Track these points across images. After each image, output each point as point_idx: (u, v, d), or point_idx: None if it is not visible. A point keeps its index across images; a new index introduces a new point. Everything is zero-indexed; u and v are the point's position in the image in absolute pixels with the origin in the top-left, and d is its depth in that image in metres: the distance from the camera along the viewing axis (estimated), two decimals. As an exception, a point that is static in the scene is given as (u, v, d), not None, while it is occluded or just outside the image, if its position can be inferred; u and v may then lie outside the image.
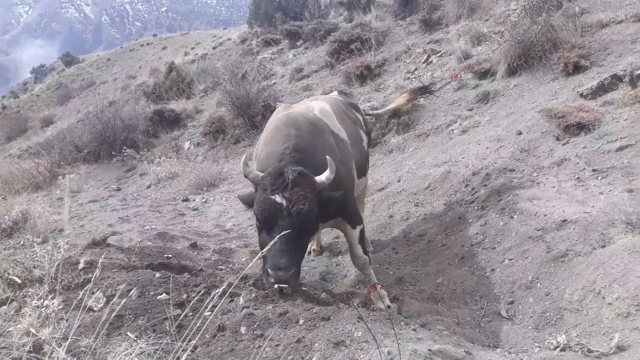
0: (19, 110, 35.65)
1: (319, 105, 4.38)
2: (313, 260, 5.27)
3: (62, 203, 8.94)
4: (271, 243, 2.65)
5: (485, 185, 5.42)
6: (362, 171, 4.69)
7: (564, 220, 4.09)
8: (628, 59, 6.59)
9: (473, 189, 5.54)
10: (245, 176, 3.45)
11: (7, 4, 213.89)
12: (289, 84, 13.73)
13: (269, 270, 3.04)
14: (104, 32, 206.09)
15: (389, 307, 3.47)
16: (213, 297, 2.28)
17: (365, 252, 3.99)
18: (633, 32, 7.29)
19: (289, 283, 3.12)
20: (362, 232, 4.00)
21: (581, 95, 6.47)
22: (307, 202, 3.21)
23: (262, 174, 3.40)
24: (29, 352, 2.44)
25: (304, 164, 3.44)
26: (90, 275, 3.66)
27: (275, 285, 3.13)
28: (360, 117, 5.25)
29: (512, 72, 8.20)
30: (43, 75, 50.52)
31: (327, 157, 3.37)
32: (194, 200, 8.74)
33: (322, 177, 3.36)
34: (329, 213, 3.55)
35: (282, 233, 2.82)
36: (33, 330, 2.45)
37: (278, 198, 3.18)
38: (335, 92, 7.16)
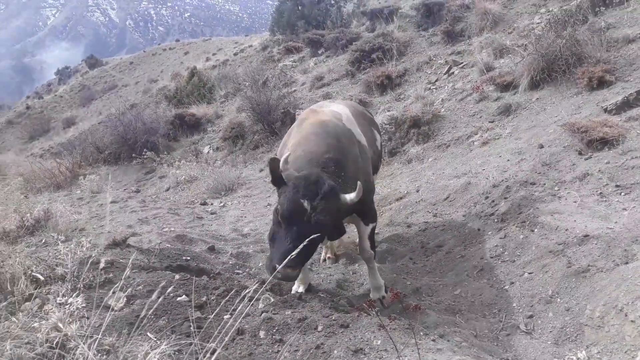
0: (42, 110, 36.32)
1: (345, 114, 4.52)
2: (329, 267, 5.27)
3: (83, 203, 9.10)
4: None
5: (505, 198, 5.37)
6: (375, 169, 5.02)
7: (586, 235, 4.03)
8: (654, 75, 6.51)
9: (493, 201, 5.50)
10: (281, 172, 3.53)
11: (35, 6, 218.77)
12: (309, 91, 13.80)
13: (276, 265, 3.03)
14: (128, 36, 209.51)
15: (383, 297, 4.13)
16: (241, 299, 2.30)
17: (373, 248, 4.35)
18: (660, 48, 7.20)
19: (291, 280, 3.42)
20: (373, 229, 4.35)
21: (605, 110, 6.40)
22: (329, 215, 3.43)
23: (297, 174, 3.52)
24: (52, 348, 2.48)
25: (338, 176, 3.73)
26: (110, 275, 3.72)
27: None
28: (372, 116, 5.59)
29: (534, 85, 8.14)
30: (67, 77, 51.52)
31: (358, 182, 3.56)
32: (212, 204, 8.81)
33: (347, 198, 3.56)
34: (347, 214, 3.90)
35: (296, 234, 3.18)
36: (61, 326, 2.49)
37: (305, 203, 3.35)
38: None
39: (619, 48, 7.70)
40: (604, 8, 9.03)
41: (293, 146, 4.06)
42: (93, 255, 4.02)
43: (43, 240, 4.81)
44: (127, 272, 2.59)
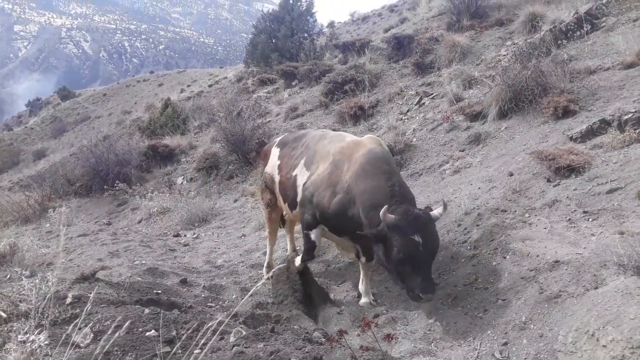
0: (12, 142, 35.65)
1: (377, 138, 5.23)
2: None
3: (51, 236, 8.86)
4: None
5: (477, 225, 5.43)
6: None
7: (557, 261, 4.09)
8: (616, 104, 6.76)
9: (465, 228, 5.55)
10: (384, 220, 4.06)
11: (7, 38, 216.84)
12: (284, 122, 13.89)
13: (420, 294, 3.96)
14: (102, 67, 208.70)
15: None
16: (204, 334, 2.25)
17: None
18: (620, 79, 7.51)
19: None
20: None
21: (571, 138, 6.59)
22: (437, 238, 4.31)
23: (396, 217, 4.07)
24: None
25: (408, 198, 4.48)
26: (77, 310, 3.60)
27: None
28: None
29: (503, 114, 8.37)
30: (38, 108, 50.84)
31: (443, 199, 4.42)
32: (185, 235, 8.68)
33: (436, 213, 4.32)
34: None
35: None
36: (18, 365, 2.38)
37: (417, 238, 4.01)
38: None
39: (582, 79, 8.00)
40: (565, 41, 9.42)
41: (354, 181, 4.57)
42: (60, 290, 3.90)
43: (7, 276, 4.65)
44: (88, 306, 2.51)
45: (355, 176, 4.56)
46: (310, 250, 5.08)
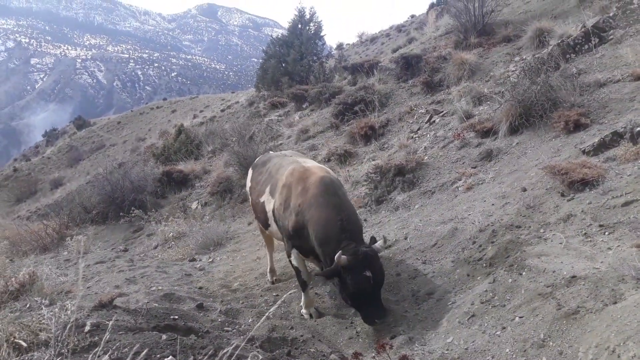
0: (30, 172, 36.28)
1: (323, 167, 5.76)
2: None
3: (70, 264, 8.96)
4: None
5: (492, 242, 5.40)
6: None
7: (574, 277, 4.05)
8: (627, 117, 6.74)
9: (480, 245, 5.52)
10: (338, 263, 4.55)
11: (24, 71, 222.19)
12: (295, 144, 14.00)
13: (375, 320, 4.70)
14: (116, 96, 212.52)
15: None
16: (228, 358, 2.27)
17: None
18: (630, 91, 7.48)
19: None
20: None
21: (583, 152, 6.57)
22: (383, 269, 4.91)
23: (348, 258, 4.55)
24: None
25: (356, 231, 4.97)
26: (96, 338, 3.64)
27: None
28: None
29: (514, 130, 8.36)
30: (55, 138, 51.80)
31: (383, 235, 5.02)
32: (200, 260, 8.73)
33: (379, 246, 4.88)
34: None
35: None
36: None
37: (367, 273, 4.58)
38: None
39: (592, 92, 7.99)
40: (574, 55, 9.44)
41: (309, 210, 4.97)
42: (79, 318, 3.95)
43: (27, 305, 4.71)
44: (106, 335, 2.54)
45: (308, 204, 5.01)
46: (299, 276, 5.45)
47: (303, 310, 5.43)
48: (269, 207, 5.73)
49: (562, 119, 7.48)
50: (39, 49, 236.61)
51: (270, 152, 7.37)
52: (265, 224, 5.99)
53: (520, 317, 4.05)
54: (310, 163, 5.85)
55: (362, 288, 4.59)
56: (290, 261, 5.53)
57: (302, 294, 5.47)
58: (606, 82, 8.05)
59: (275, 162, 6.18)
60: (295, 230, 5.15)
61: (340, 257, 4.51)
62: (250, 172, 6.70)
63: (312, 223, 4.93)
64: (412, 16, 44.50)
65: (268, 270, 6.81)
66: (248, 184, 6.62)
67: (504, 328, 4.07)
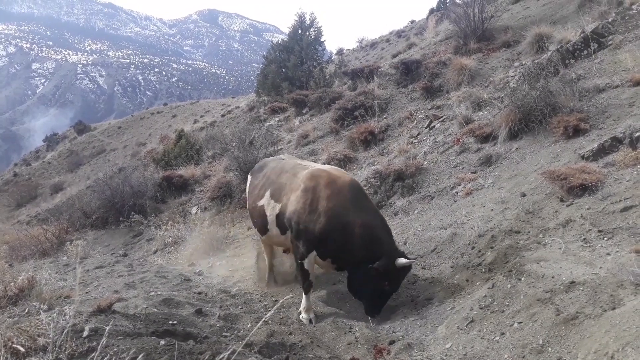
0: (30, 177, 36.31)
1: (339, 169, 6.10)
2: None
3: (69, 269, 8.95)
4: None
5: (491, 248, 5.40)
6: None
7: (572, 282, 4.05)
8: (627, 122, 6.74)
9: (480, 251, 5.52)
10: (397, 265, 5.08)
11: (25, 76, 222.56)
12: (295, 149, 14.00)
13: (376, 314, 5.23)
14: (116, 101, 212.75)
15: None
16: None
17: None
18: (629, 97, 7.50)
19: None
20: None
21: (582, 157, 6.57)
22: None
23: (398, 264, 5.13)
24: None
25: (392, 236, 5.55)
26: (94, 343, 3.63)
27: None
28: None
29: (513, 135, 8.37)
30: (55, 143, 51.84)
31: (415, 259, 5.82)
32: (199, 265, 8.72)
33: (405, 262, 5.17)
34: None
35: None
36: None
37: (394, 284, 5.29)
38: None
39: (591, 97, 8.00)
40: (573, 60, 9.46)
41: (339, 212, 5.20)
42: (77, 323, 3.94)
43: (26, 310, 4.71)
44: (103, 340, 2.54)
45: (344, 208, 5.20)
46: (307, 279, 5.48)
47: (303, 315, 5.42)
48: (270, 212, 5.75)
49: (562, 124, 7.49)
50: (40, 54, 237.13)
51: (266, 158, 7.46)
52: (262, 229, 6.02)
53: (519, 323, 4.04)
54: (319, 165, 6.07)
55: (389, 291, 5.24)
56: (300, 264, 5.47)
57: (304, 297, 5.46)
58: (605, 87, 8.07)
59: (272, 166, 6.24)
60: (327, 233, 5.19)
61: (398, 261, 5.02)
62: (249, 178, 6.75)
63: (356, 226, 5.14)
64: (412, 22, 44.67)
65: (267, 268, 6.85)
66: (246, 188, 6.72)
67: (502, 334, 4.06)
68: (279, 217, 5.64)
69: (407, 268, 5.21)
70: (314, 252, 5.37)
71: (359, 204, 5.30)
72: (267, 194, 5.85)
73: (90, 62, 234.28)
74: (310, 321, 5.32)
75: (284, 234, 5.71)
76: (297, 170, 5.77)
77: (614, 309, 3.59)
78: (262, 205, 5.89)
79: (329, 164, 11.07)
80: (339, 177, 5.48)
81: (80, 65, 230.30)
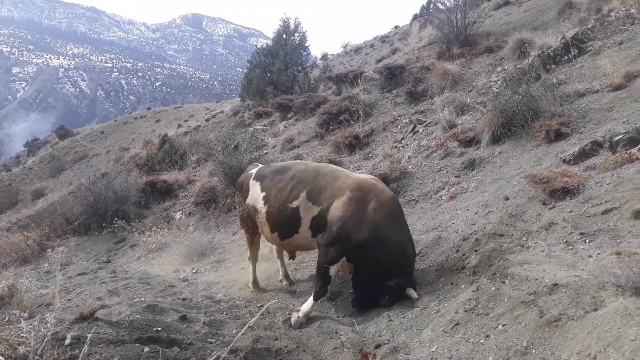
0: (11, 183, 35.71)
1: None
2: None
3: (50, 277, 8.79)
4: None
5: (475, 251, 5.44)
6: None
7: (555, 284, 4.09)
8: (607, 126, 6.86)
9: (464, 254, 5.56)
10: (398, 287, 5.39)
11: (5, 80, 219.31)
12: (280, 153, 13.99)
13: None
14: (99, 105, 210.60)
15: None
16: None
17: None
18: (609, 101, 7.64)
19: None
20: None
21: (564, 160, 6.67)
22: None
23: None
24: None
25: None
26: (77, 351, 3.58)
27: None
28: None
29: (496, 139, 8.46)
30: (36, 148, 51.15)
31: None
32: (184, 271, 8.64)
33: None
34: None
35: None
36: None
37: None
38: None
39: (572, 102, 8.14)
40: (554, 66, 9.62)
41: (380, 225, 5.31)
42: (59, 331, 3.88)
43: (6, 318, 4.61)
44: (85, 348, 2.50)
45: (385, 222, 5.32)
46: (326, 285, 5.46)
47: (298, 317, 5.36)
48: (305, 213, 5.61)
49: (544, 129, 7.60)
50: (21, 58, 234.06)
51: (271, 163, 7.14)
52: (288, 232, 5.81)
53: (503, 325, 4.07)
54: (359, 175, 6.01)
55: (382, 303, 5.45)
56: (326, 268, 5.41)
57: (311, 302, 5.44)
58: (586, 92, 8.21)
59: (303, 169, 5.96)
60: (367, 244, 5.26)
61: (408, 292, 5.33)
62: (254, 184, 6.29)
63: (394, 242, 5.32)
64: (396, 27, 45.06)
65: (251, 281, 6.75)
66: (256, 195, 6.15)
67: (487, 336, 4.09)
68: (315, 219, 5.55)
69: (405, 296, 5.36)
70: (344, 258, 5.41)
71: (398, 219, 5.48)
72: (303, 195, 5.65)
73: (72, 67, 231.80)
74: (300, 325, 5.29)
75: (315, 237, 5.62)
76: (338, 174, 5.74)
77: (596, 310, 3.64)
78: (295, 206, 5.66)
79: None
80: (383, 190, 5.56)
81: (62, 70, 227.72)
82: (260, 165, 6.69)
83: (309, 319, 5.43)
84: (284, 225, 5.78)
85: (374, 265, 5.38)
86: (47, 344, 3.34)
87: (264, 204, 5.97)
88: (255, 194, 6.16)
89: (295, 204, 5.66)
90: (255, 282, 6.73)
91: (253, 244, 6.68)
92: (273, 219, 5.88)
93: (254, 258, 6.75)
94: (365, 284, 5.47)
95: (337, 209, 5.40)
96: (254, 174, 6.40)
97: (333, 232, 5.37)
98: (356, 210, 5.33)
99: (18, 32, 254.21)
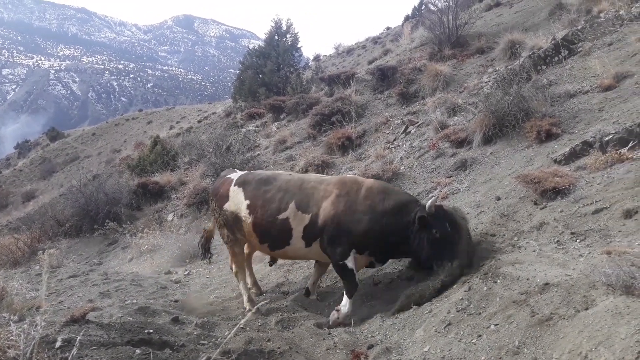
0: (1, 185, 35.40)
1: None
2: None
3: (41, 279, 8.73)
4: None
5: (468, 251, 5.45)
6: None
7: (547, 284, 4.11)
8: (597, 126, 6.91)
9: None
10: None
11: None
12: (273, 154, 13.98)
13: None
14: (90, 107, 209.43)
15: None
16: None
17: None
18: (599, 102, 7.69)
19: None
20: None
21: (555, 161, 6.71)
22: None
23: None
24: None
25: None
26: (67, 354, 3.55)
27: None
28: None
29: (487, 140, 8.50)
30: (27, 150, 50.79)
31: None
32: (176, 272, 8.61)
33: None
34: None
35: None
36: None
37: None
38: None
39: (562, 102, 8.19)
40: (544, 66, 9.68)
41: (376, 208, 5.40)
42: (49, 333, 3.85)
43: (-5, 322, 4.57)
44: (74, 351, 2.48)
45: (378, 200, 5.38)
46: (353, 278, 5.44)
47: (340, 315, 5.35)
48: (296, 224, 5.51)
49: (534, 129, 7.64)
50: (11, 60, 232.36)
51: (255, 171, 6.78)
52: (279, 244, 5.70)
53: (495, 325, 4.08)
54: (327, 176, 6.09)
55: (448, 236, 5.17)
56: (343, 265, 5.40)
57: (348, 301, 5.41)
58: (576, 92, 8.27)
59: (288, 179, 5.84)
60: (372, 229, 5.30)
61: (427, 205, 5.20)
62: (236, 190, 5.98)
63: (387, 211, 5.34)
64: (388, 28, 45.19)
65: (246, 300, 6.08)
66: (239, 202, 5.88)
67: (479, 336, 4.10)
68: (307, 228, 5.50)
69: (440, 207, 5.26)
70: (354, 250, 5.39)
71: (390, 192, 5.55)
72: (292, 205, 5.55)
73: (63, 68, 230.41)
74: (338, 325, 5.30)
75: (309, 245, 5.56)
76: (322, 178, 5.81)
77: (586, 309, 3.66)
78: (285, 218, 5.55)
79: (306, 169, 11.10)
80: (365, 179, 5.76)
81: (52, 71, 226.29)
82: (239, 172, 6.41)
83: (300, 320, 5.42)
84: (274, 237, 5.68)
85: (386, 238, 5.36)
86: (36, 347, 3.31)
87: (249, 213, 5.75)
88: (237, 201, 5.89)
89: (284, 215, 5.56)
90: (250, 300, 6.10)
91: (236, 255, 6.24)
92: (261, 230, 5.72)
93: (241, 272, 6.23)
94: (421, 250, 5.28)
95: (327, 208, 5.42)
96: (234, 180, 6.08)
97: (332, 232, 5.36)
98: (348, 204, 5.37)
99: (8, 33, 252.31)
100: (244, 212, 5.79)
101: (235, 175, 6.24)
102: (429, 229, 5.13)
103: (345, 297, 5.44)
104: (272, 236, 5.67)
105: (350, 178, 5.71)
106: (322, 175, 6.17)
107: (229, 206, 5.96)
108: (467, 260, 5.12)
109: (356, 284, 5.47)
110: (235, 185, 6.03)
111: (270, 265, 6.80)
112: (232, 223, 5.95)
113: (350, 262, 5.40)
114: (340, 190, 5.49)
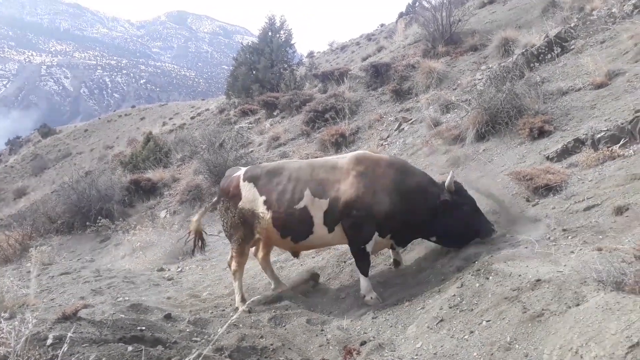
0: (-8, 182, 35.13)
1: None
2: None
3: (32, 276, 8.68)
4: None
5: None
6: None
7: (538, 280, 4.13)
8: (589, 124, 6.95)
9: (449, 251, 5.59)
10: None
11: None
12: (267, 151, 13.96)
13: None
14: (82, 103, 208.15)
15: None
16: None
17: None
18: (591, 99, 7.74)
19: None
20: None
21: (547, 158, 6.75)
22: None
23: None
24: None
25: None
26: (59, 352, 3.53)
27: None
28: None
29: (480, 137, 8.53)
30: (18, 146, 50.43)
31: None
32: (169, 269, 8.59)
33: None
34: None
35: None
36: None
37: None
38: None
39: (555, 100, 8.23)
40: (537, 64, 9.72)
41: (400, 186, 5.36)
42: (40, 331, 3.82)
43: (-14, 319, 4.54)
44: (64, 347, 2.47)
45: (397, 179, 5.32)
46: (367, 260, 5.50)
47: (368, 297, 5.38)
48: (316, 211, 5.37)
49: (527, 126, 7.68)
50: (2, 55, 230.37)
51: (261, 164, 6.56)
52: (302, 235, 5.54)
53: (487, 321, 4.10)
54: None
55: (474, 209, 5.46)
56: (363, 249, 5.39)
57: (363, 279, 5.46)
58: (568, 90, 8.31)
59: (298, 167, 5.69)
60: (396, 208, 5.25)
61: (447, 184, 5.31)
62: (247, 186, 5.80)
63: (412, 188, 5.35)
64: (382, 25, 45.21)
65: (239, 299, 5.88)
66: (253, 197, 5.70)
67: (471, 332, 4.12)
68: (328, 213, 5.36)
69: (459, 184, 5.37)
70: (376, 233, 5.34)
71: (407, 170, 5.51)
72: (307, 193, 5.41)
73: (55, 64, 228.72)
74: (378, 299, 5.35)
75: (332, 230, 5.43)
76: (331, 161, 5.57)
77: (577, 305, 3.68)
78: (302, 207, 5.40)
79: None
80: (379, 155, 5.74)
81: (44, 67, 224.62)
82: (243, 168, 6.24)
83: (293, 317, 5.41)
84: (296, 229, 5.51)
85: (411, 218, 5.35)
86: (27, 344, 3.28)
87: (267, 208, 5.58)
88: (252, 197, 5.71)
89: (302, 204, 5.41)
90: (243, 299, 5.86)
91: (241, 255, 5.92)
92: (281, 224, 5.54)
93: (240, 272, 5.98)
94: (453, 229, 5.36)
95: (347, 191, 5.27)
96: (242, 175, 5.91)
97: (355, 215, 5.25)
98: (368, 184, 5.25)
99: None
100: (261, 209, 5.62)
101: (241, 171, 6.07)
102: (459, 206, 5.24)
103: (361, 278, 5.47)
104: (294, 228, 5.51)
105: (364, 155, 5.53)
106: (327, 157, 5.98)
107: (243, 203, 5.74)
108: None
109: (369, 262, 5.52)
110: (244, 180, 5.86)
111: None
112: (250, 220, 5.71)
113: (369, 246, 5.37)
114: (357, 169, 5.33)
